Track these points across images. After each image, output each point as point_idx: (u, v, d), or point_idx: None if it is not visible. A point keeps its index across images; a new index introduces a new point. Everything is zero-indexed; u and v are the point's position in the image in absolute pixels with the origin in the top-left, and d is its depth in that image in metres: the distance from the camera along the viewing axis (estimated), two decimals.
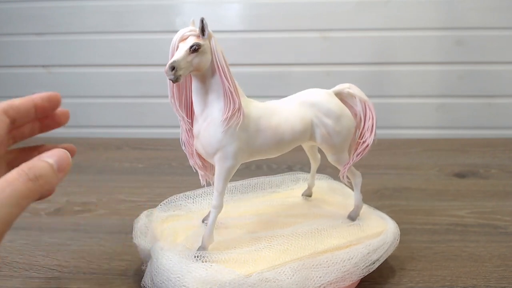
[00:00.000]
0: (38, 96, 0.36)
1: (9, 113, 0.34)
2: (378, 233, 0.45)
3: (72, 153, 0.36)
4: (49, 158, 0.31)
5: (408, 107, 1.04)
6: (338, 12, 0.98)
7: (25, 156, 0.37)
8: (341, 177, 0.47)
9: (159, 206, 0.50)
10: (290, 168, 0.80)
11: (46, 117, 0.38)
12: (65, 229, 0.58)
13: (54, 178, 0.31)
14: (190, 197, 0.52)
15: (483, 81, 1.01)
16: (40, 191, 0.30)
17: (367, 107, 0.46)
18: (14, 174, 0.29)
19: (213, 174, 0.41)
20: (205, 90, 0.39)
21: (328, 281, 0.39)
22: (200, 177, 0.44)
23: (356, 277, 0.41)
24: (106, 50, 1.05)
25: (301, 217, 0.48)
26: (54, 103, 0.37)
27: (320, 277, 0.39)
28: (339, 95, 0.46)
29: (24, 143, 0.38)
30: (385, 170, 0.80)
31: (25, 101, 0.35)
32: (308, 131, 0.43)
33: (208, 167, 0.44)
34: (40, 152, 0.32)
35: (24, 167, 0.30)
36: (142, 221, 0.47)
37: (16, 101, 0.34)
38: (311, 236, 0.43)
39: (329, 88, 0.47)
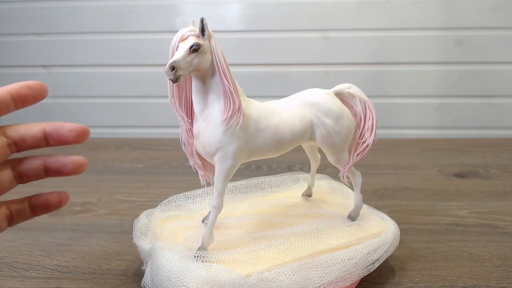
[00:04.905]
0: (15, 84, 0.34)
1: None
2: (378, 233, 0.45)
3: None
4: None
5: (408, 107, 1.04)
6: (338, 12, 0.98)
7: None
8: (341, 177, 0.47)
9: (159, 206, 0.50)
10: (290, 168, 0.80)
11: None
12: (65, 229, 0.58)
13: None
14: (190, 197, 0.52)
15: (483, 81, 1.01)
16: None
17: (367, 107, 0.46)
18: None
19: (213, 174, 0.41)
20: (205, 90, 0.39)
21: (328, 281, 0.39)
22: (200, 177, 0.44)
23: (356, 277, 0.41)
24: (106, 50, 1.05)
25: (301, 217, 0.48)
26: (35, 91, 0.34)
27: (320, 277, 0.39)
28: (339, 95, 0.46)
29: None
30: (385, 170, 0.80)
31: None
32: (308, 131, 0.43)
33: (208, 167, 0.44)
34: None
35: None
36: (142, 221, 0.47)
37: None
38: (311, 236, 0.43)
39: (329, 88, 0.47)
